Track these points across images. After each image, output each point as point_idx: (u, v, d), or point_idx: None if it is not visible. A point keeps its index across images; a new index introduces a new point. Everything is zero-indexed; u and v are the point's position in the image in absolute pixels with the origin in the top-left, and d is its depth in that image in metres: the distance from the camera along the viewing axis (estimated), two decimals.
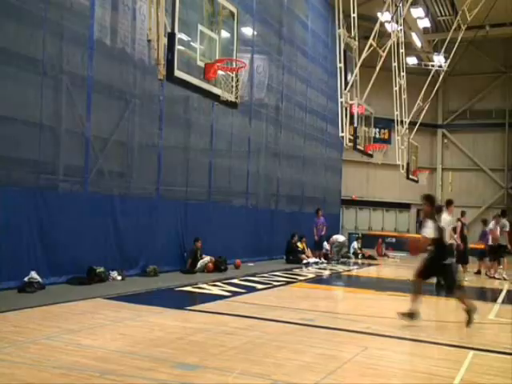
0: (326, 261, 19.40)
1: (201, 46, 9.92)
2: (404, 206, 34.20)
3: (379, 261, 21.67)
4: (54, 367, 5.16)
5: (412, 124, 25.08)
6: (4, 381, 4.72)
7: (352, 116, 17.30)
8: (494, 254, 16.16)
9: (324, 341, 6.87)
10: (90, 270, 11.02)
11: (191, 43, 9.91)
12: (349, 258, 21.79)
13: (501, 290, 13.22)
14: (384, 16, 20.93)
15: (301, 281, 13.66)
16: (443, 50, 26.45)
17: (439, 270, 8.23)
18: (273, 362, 5.73)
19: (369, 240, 25.53)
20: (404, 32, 23.83)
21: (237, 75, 10.67)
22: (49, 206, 10.47)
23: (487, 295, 12.91)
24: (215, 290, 10.95)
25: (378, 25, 18.96)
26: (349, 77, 17.92)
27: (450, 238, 14.04)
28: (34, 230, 10.10)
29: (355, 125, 17.37)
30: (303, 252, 18.99)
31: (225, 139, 16.91)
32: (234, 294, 10.60)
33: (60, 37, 10.88)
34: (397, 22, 21.89)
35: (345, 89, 17.22)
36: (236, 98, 10.64)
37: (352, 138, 17.39)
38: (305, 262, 18.27)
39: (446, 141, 34.54)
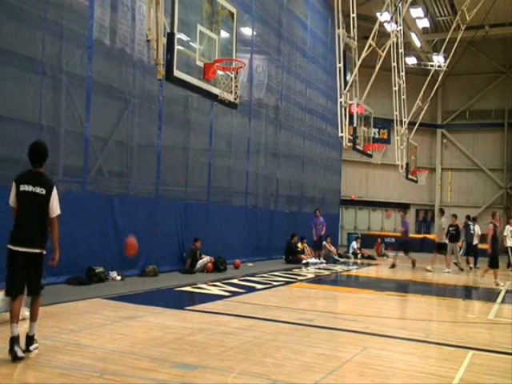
0: (325, 261, 19.42)
1: (200, 46, 9.92)
2: (403, 206, 34.19)
3: (378, 261, 21.67)
4: (53, 367, 5.16)
5: (411, 124, 25.10)
6: (4, 381, 4.72)
7: (351, 116, 17.30)
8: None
9: (324, 341, 6.87)
10: (90, 270, 11.03)
11: (190, 43, 9.91)
12: (348, 258, 21.83)
13: (500, 290, 13.24)
14: (383, 16, 20.96)
15: (300, 281, 13.66)
16: (442, 50, 26.47)
17: None
18: (272, 362, 5.73)
19: (368, 240, 25.56)
20: (403, 32, 23.84)
21: (236, 75, 10.67)
22: None
23: (487, 295, 12.91)
24: (214, 290, 10.95)
25: (377, 25, 18.97)
26: (348, 77, 17.93)
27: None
28: None
29: (354, 125, 17.38)
30: (303, 252, 19.01)
31: (224, 139, 16.91)
32: (234, 294, 10.60)
33: (59, 37, 10.87)
34: (396, 22, 21.89)
35: (344, 89, 17.23)
36: (235, 98, 10.64)
37: (351, 137, 17.39)
38: (304, 262, 18.29)
39: (445, 141, 34.57)
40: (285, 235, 18.84)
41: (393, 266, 17.97)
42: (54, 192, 5.73)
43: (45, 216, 5.66)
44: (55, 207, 5.70)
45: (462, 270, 18.11)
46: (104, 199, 11.98)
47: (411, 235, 31.31)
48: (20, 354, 5.32)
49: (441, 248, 18.26)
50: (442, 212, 19.10)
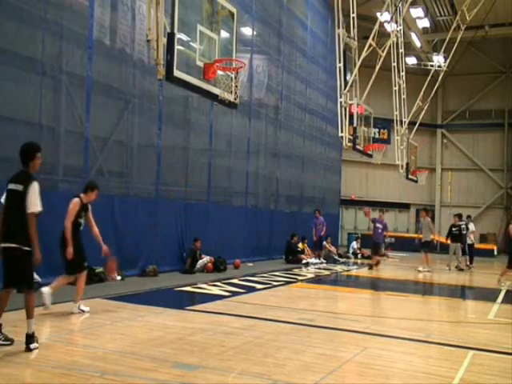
0: (325, 261, 19.42)
1: (200, 46, 9.92)
2: (403, 206, 34.23)
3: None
4: (53, 367, 5.16)
5: (411, 124, 25.10)
6: (3, 381, 4.72)
7: (351, 116, 17.30)
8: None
9: (324, 341, 6.87)
10: (90, 270, 10.96)
11: (191, 43, 9.91)
12: (348, 258, 21.83)
13: (500, 290, 13.24)
14: (383, 16, 20.95)
15: (300, 281, 13.66)
16: (442, 50, 26.48)
17: None
18: (273, 361, 5.73)
19: (368, 240, 25.49)
20: (403, 32, 23.84)
21: (236, 75, 10.67)
22: (48, 205, 10.40)
23: (487, 295, 12.91)
24: (215, 290, 10.94)
25: (377, 25, 18.97)
26: (348, 77, 17.92)
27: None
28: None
29: (354, 125, 17.38)
30: (303, 252, 19.01)
31: (224, 139, 16.91)
32: (234, 294, 10.60)
33: (59, 37, 10.88)
34: (396, 22, 21.89)
35: (344, 89, 17.22)
36: (235, 98, 10.64)
37: (351, 137, 17.39)
38: (304, 262, 18.29)
39: (445, 141, 34.57)
40: (285, 235, 18.83)
41: (377, 263, 17.93)
42: (32, 188, 5.87)
43: (25, 212, 5.82)
44: (31, 204, 5.83)
45: (461, 270, 18.12)
46: (104, 199, 11.94)
47: (411, 235, 31.59)
48: (1, 342, 5.69)
49: (426, 246, 18.10)
50: (426, 212, 18.91)
